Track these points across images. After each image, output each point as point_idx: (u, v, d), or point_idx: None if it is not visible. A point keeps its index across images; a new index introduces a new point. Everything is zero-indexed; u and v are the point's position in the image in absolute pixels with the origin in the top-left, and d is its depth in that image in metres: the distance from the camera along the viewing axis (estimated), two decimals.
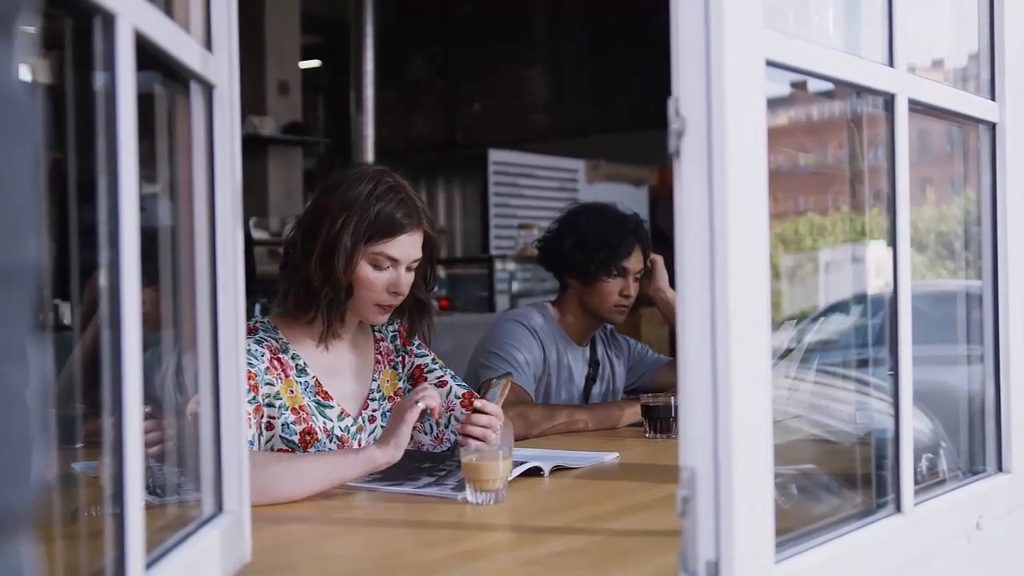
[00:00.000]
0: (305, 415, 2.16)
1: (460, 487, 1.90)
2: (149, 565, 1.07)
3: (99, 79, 1.00)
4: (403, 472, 2.05)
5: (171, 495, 1.49)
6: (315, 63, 10.10)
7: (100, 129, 1.00)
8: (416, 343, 2.40)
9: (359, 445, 2.22)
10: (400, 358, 2.38)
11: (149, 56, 1.10)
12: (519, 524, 1.77)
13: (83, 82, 1.03)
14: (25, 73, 0.59)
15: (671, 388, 2.95)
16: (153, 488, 1.35)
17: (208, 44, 1.33)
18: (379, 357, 2.35)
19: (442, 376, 2.36)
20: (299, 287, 2.18)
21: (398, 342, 2.39)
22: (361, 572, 1.54)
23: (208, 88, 1.33)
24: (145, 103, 1.07)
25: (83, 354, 2.07)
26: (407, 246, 2.18)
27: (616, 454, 2.36)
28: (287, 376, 2.17)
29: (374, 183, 2.18)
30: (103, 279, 0.99)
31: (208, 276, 1.35)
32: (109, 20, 0.98)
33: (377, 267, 2.17)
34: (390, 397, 2.33)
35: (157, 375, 1.54)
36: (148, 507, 1.06)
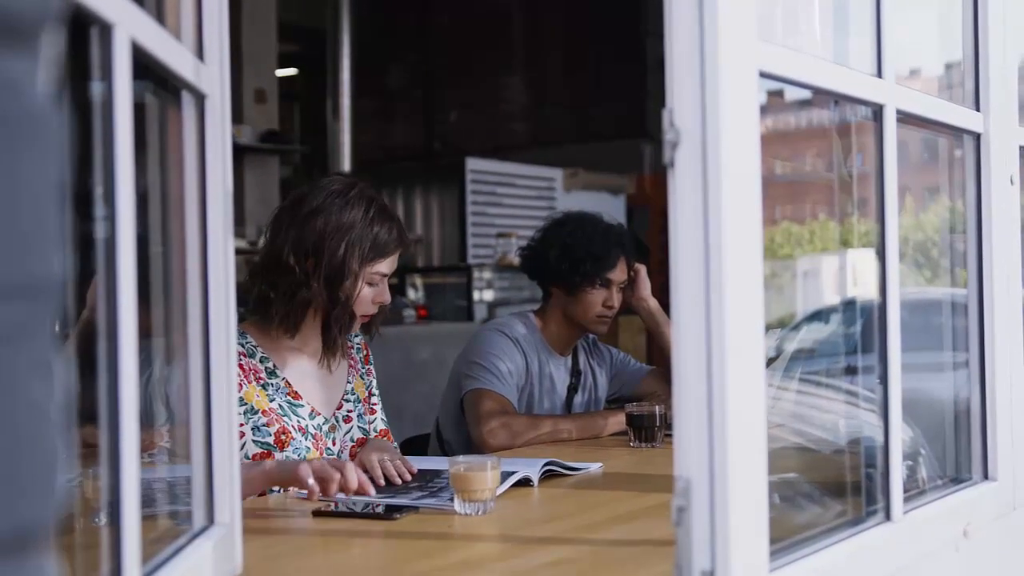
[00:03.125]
0: (276, 416, 2.21)
1: (445, 499, 1.90)
2: None
3: (95, 88, 1.00)
4: (395, 487, 2.05)
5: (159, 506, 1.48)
6: (292, 71, 10.09)
7: (96, 138, 0.99)
8: (369, 366, 2.51)
9: (333, 444, 2.31)
10: (365, 369, 2.49)
11: (142, 65, 1.09)
12: (509, 534, 1.77)
13: (77, 91, 1.02)
14: (49, 86, 0.59)
15: (653, 397, 2.96)
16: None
17: (200, 54, 1.32)
18: (352, 362, 2.44)
19: (376, 405, 2.49)
20: (300, 307, 2.23)
21: (361, 355, 2.48)
22: None
23: (200, 98, 1.32)
24: (135, 112, 1.06)
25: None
26: (395, 261, 2.32)
27: (600, 464, 2.36)
28: (251, 382, 2.22)
29: (365, 205, 2.26)
30: (100, 289, 0.98)
31: (199, 285, 1.34)
32: (106, 30, 0.97)
33: (371, 284, 2.28)
34: (364, 400, 2.42)
35: (139, 382, 1.53)
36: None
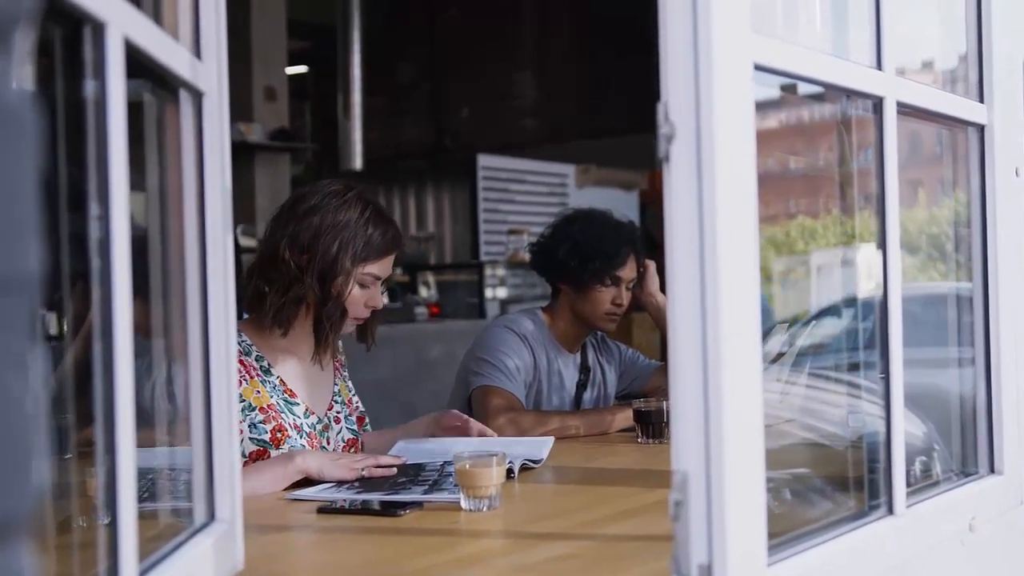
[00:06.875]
0: (274, 413, 2.25)
1: (457, 490, 1.89)
2: (142, 574, 1.07)
3: (88, 87, 1.00)
4: (384, 484, 2.04)
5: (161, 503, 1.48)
6: (302, 68, 10.10)
7: (90, 137, 1.00)
8: (346, 371, 2.53)
9: (327, 443, 2.35)
10: (346, 372, 2.52)
11: (138, 64, 1.10)
12: (513, 530, 1.77)
13: (71, 90, 1.03)
14: (23, 83, 0.59)
15: (662, 393, 2.95)
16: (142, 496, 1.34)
17: (197, 52, 1.33)
18: (337, 366, 2.48)
19: (339, 413, 2.45)
20: (293, 302, 2.26)
21: (342, 360, 2.51)
22: None
23: (197, 96, 1.32)
24: (133, 111, 1.06)
25: (73, 363, 2.08)
26: (390, 265, 2.35)
27: (550, 438, 2.39)
28: (252, 378, 2.26)
29: (361, 206, 2.30)
30: (95, 289, 0.99)
31: (199, 284, 1.34)
32: (99, 29, 0.98)
33: (363, 286, 2.30)
34: (347, 402, 2.46)
35: (147, 385, 1.54)
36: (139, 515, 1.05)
